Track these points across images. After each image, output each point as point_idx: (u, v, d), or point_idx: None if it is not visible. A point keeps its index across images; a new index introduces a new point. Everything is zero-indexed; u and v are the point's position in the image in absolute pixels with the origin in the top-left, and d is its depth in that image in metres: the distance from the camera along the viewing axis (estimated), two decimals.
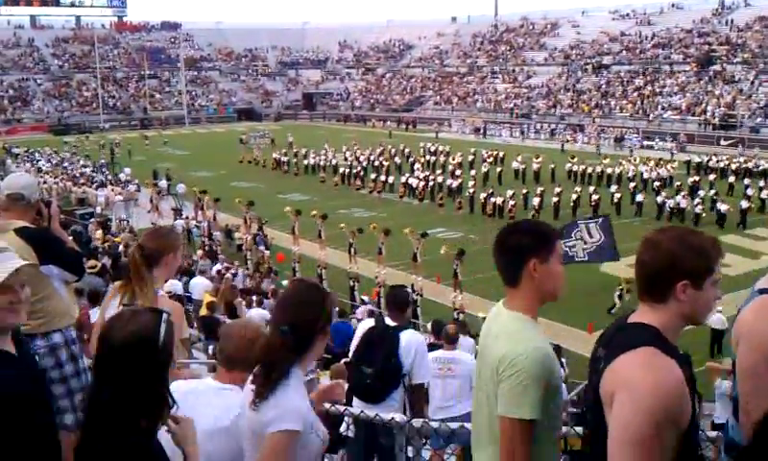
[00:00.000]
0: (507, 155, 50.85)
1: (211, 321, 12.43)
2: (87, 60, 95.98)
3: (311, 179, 49.68)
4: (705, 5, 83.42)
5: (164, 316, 2.55)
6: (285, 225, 33.00)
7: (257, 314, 14.53)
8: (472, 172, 45.90)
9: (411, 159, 52.10)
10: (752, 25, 73.72)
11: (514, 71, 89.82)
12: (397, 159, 52.41)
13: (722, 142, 58.12)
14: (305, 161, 53.03)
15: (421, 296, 23.84)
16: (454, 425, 4.09)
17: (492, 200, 36.92)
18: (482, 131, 73.86)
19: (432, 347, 9.16)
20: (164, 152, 64.76)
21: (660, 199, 36.33)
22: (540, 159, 47.33)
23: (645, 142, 61.57)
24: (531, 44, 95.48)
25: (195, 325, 12.90)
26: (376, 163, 50.00)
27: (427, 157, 53.25)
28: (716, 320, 18.27)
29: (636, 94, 71.68)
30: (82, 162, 53.59)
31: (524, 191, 38.90)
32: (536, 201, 36.75)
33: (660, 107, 67.49)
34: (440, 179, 43.68)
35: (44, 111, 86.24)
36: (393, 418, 4.20)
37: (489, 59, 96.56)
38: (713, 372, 11.37)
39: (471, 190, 39.32)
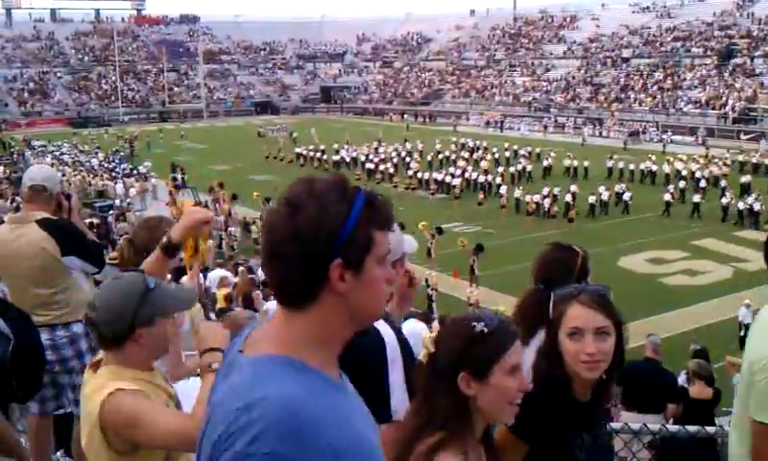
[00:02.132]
0: (542, 151, 49.93)
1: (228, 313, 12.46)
2: (107, 53, 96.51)
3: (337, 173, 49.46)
4: None
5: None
6: None
7: (273, 306, 14.58)
8: (499, 169, 44.74)
9: (442, 155, 50.17)
10: None
11: (532, 64, 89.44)
12: (429, 157, 49.99)
13: (742, 136, 57.55)
14: (335, 157, 51.03)
15: (436, 290, 23.75)
16: None
17: (528, 197, 35.97)
18: (499, 124, 73.38)
19: None
20: (182, 145, 65.01)
21: (724, 200, 34.15)
22: (572, 155, 45.99)
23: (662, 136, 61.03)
24: (550, 37, 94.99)
25: (213, 317, 12.94)
26: (408, 160, 48.51)
27: (464, 154, 50.86)
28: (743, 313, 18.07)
29: (655, 88, 71.18)
30: (101, 155, 53.98)
31: (557, 189, 36.65)
32: (567, 197, 35.41)
33: (679, 100, 66.95)
34: (473, 175, 42.24)
35: (64, 104, 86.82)
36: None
37: (507, 52, 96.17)
38: (732, 366, 11.13)
39: (504, 188, 38.18)
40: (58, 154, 53.86)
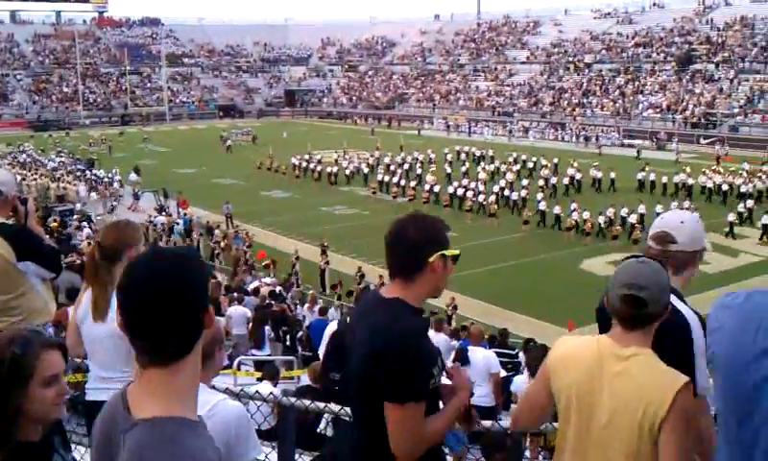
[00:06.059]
0: (559, 160, 46.67)
1: None
2: (68, 55, 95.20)
3: (297, 177, 49.20)
4: (685, 4, 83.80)
5: None
6: (265, 222, 33.18)
7: (236, 312, 14.51)
8: (524, 181, 41.50)
9: (464, 168, 46.45)
10: (732, 24, 74.22)
11: (496, 69, 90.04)
12: (447, 168, 46.48)
13: (702, 141, 58.64)
14: (330, 169, 47.48)
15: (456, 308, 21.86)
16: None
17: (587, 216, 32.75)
18: (465, 128, 74.08)
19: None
20: (144, 148, 64.41)
21: None
22: (597, 165, 43.67)
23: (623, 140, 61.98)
24: (513, 43, 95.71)
25: None
26: (420, 171, 45.74)
27: (483, 166, 47.37)
28: None
29: (617, 93, 72.08)
30: (62, 158, 53.19)
31: (624, 211, 33.46)
32: (610, 211, 32.78)
33: (640, 105, 67.92)
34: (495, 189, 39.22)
35: (24, 107, 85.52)
36: None
37: (471, 57, 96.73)
38: None
39: (543, 205, 35.57)
40: (18, 157, 52.97)
